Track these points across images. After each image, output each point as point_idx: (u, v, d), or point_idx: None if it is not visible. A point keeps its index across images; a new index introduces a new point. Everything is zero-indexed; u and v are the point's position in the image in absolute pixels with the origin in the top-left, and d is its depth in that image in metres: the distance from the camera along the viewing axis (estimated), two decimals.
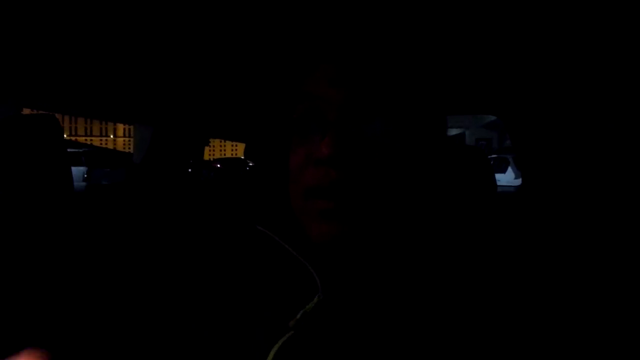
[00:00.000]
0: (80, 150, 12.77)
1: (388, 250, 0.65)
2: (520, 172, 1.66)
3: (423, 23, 0.80)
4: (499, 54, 0.98)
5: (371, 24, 0.82)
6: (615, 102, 1.24)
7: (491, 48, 0.94)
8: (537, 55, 0.98)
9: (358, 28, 0.84)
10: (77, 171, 11.65)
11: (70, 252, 1.25)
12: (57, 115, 1.45)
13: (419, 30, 0.83)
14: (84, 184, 11.61)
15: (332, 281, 0.63)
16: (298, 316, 0.60)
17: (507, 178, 12.66)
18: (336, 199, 0.60)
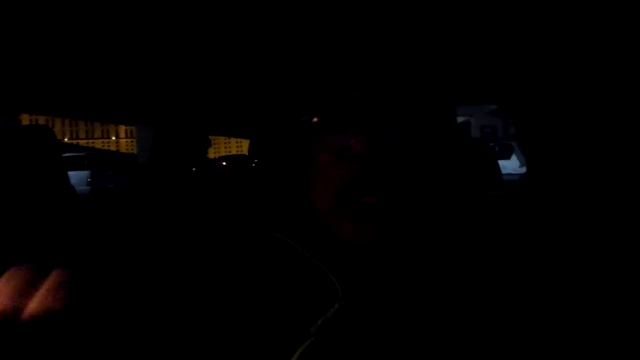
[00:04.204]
0: (83, 154, 12.73)
1: (408, 254, 0.64)
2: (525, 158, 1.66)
3: (436, 17, 0.80)
4: (501, 44, 0.97)
5: (394, 21, 0.82)
6: (619, 90, 1.23)
7: (493, 38, 0.93)
8: (539, 43, 0.97)
9: (381, 26, 0.84)
10: (80, 175, 11.64)
11: (72, 257, 1.24)
12: (57, 119, 1.45)
13: (433, 23, 0.83)
14: (88, 187, 11.60)
15: (352, 288, 0.62)
16: (319, 323, 0.60)
17: (512, 165, 12.64)
18: (376, 195, 0.60)
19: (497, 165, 1.35)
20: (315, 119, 0.67)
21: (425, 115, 0.64)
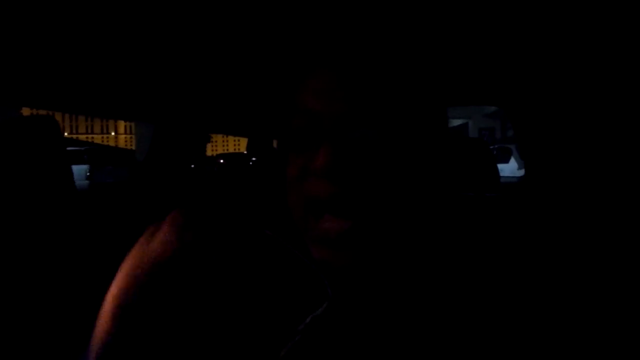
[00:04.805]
0: (82, 149, 12.78)
1: (396, 255, 0.64)
2: (523, 162, 1.66)
3: (419, 18, 0.79)
4: (500, 44, 0.97)
5: (360, 31, 0.81)
6: (618, 92, 1.23)
7: (492, 38, 0.93)
8: (539, 44, 0.97)
9: (347, 37, 0.83)
10: (80, 169, 11.66)
11: (72, 251, 1.25)
12: (58, 114, 1.45)
13: (414, 26, 0.82)
14: (87, 182, 11.63)
15: (341, 287, 0.62)
16: (307, 320, 0.60)
17: (510, 168, 12.67)
18: (341, 215, 0.59)
19: (495, 165, 1.36)
20: (285, 131, 0.66)
21: (398, 121, 0.62)
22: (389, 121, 0.61)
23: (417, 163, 0.64)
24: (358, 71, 0.62)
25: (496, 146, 13.98)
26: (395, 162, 0.61)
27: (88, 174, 11.95)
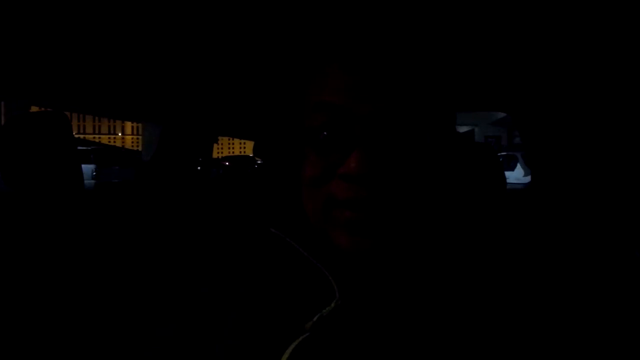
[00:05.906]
0: (89, 148, 12.90)
1: (407, 257, 0.64)
2: (529, 169, 1.65)
3: (436, 21, 0.79)
4: (509, 51, 0.97)
5: (390, 28, 0.81)
6: (624, 102, 1.23)
7: (501, 44, 0.93)
8: (547, 51, 0.97)
9: (376, 33, 0.82)
10: (86, 169, 11.72)
11: (79, 249, 1.25)
12: (66, 113, 1.46)
13: (432, 29, 0.83)
14: (93, 181, 11.69)
15: (349, 286, 0.62)
16: (315, 319, 0.60)
17: (515, 175, 12.65)
18: (364, 213, 0.58)
19: (502, 170, 1.35)
20: (311, 127, 0.63)
21: (423, 126, 0.61)
22: (414, 125, 0.60)
23: (438, 166, 0.64)
24: (383, 71, 0.61)
25: (503, 154, 13.97)
26: (422, 166, 0.61)
27: (94, 173, 12.03)
